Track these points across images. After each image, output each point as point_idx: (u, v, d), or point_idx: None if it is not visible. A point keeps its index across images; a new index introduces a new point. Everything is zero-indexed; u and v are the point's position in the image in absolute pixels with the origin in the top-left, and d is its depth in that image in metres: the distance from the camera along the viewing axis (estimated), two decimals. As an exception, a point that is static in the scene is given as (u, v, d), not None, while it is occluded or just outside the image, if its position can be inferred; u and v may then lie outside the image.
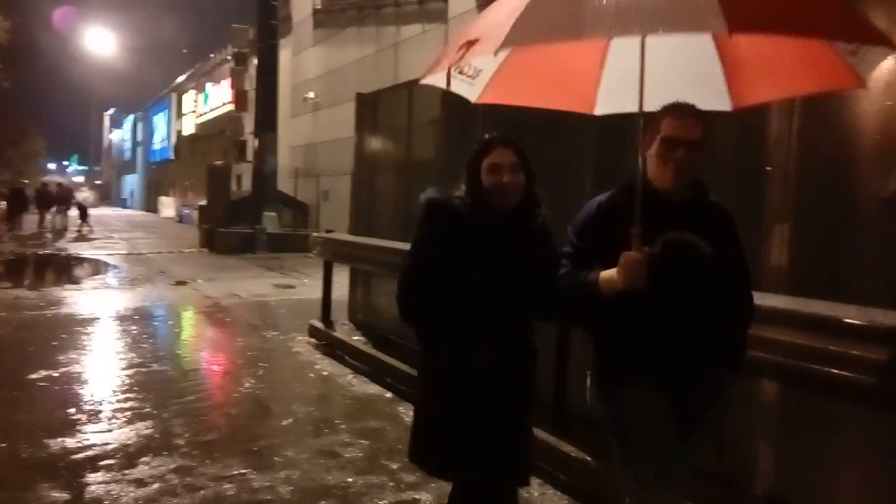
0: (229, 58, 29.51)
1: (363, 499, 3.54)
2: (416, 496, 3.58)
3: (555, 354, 4.13)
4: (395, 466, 3.96)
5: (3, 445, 4.13)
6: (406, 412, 4.99)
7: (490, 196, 2.17)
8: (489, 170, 2.17)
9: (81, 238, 22.18)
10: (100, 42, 55.26)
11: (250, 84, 24.53)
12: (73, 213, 26.43)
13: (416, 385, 2.40)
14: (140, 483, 3.64)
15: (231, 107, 29.13)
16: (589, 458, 3.71)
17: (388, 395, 5.45)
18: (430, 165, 6.57)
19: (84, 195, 28.74)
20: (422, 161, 6.70)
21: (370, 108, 7.65)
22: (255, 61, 21.67)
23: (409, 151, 6.81)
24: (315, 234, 8.58)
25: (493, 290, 2.14)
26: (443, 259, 2.15)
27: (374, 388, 5.63)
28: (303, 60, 25.18)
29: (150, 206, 48.48)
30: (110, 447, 4.15)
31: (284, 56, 23.25)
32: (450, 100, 6.12)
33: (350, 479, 3.77)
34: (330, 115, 22.69)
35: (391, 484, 3.73)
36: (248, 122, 25.08)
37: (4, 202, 25.10)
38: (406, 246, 6.02)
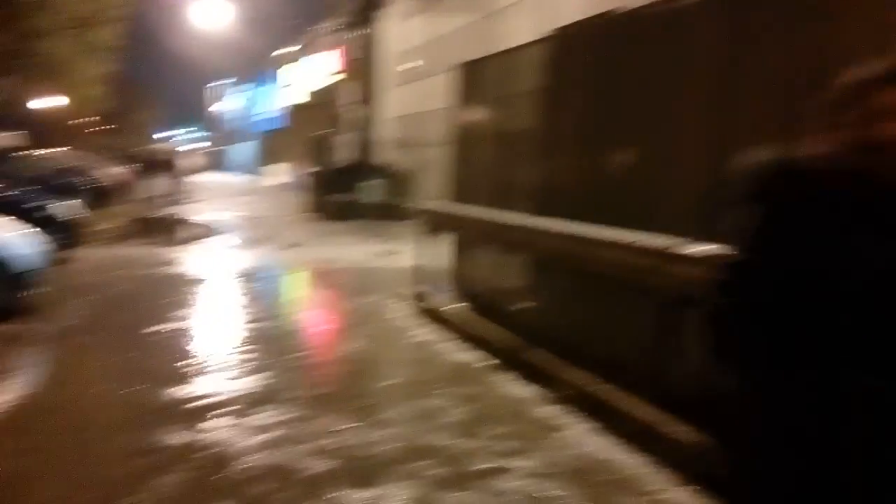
0: (337, 27, 30.09)
1: (463, 461, 3.61)
2: (516, 464, 3.60)
3: (659, 330, 4.01)
4: (493, 432, 4.00)
5: (134, 389, 4.51)
6: (504, 381, 5.02)
7: (882, 152, 1.41)
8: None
9: (196, 202, 23.56)
10: (214, 12, 57.67)
11: (356, 54, 24.95)
12: (191, 178, 28.10)
13: (744, 417, 1.64)
14: (256, 430, 3.88)
15: (338, 76, 29.82)
16: (697, 438, 3.60)
17: (486, 362, 5.49)
18: (529, 134, 6.47)
19: (189, 160, 30.31)
20: (521, 130, 6.60)
21: (470, 77, 7.61)
22: (362, 31, 21.98)
23: (509, 120, 6.73)
24: (416, 202, 8.70)
25: (876, 295, 1.39)
26: (791, 252, 1.43)
27: (472, 356, 5.68)
28: (407, 29, 25.31)
29: (261, 172, 50.76)
30: (230, 396, 4.45)
31: (390, 25, 23.46)
32: (552, 67, 6.02)
33: (450, 442, 3.85)
34: (431, 85, 22.72)
35: (491, 449, 3.77)
36: (354, 91, 25.57)
37: (129, 167, 26.99)
38: (506, 216, 6.04)
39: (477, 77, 7.52)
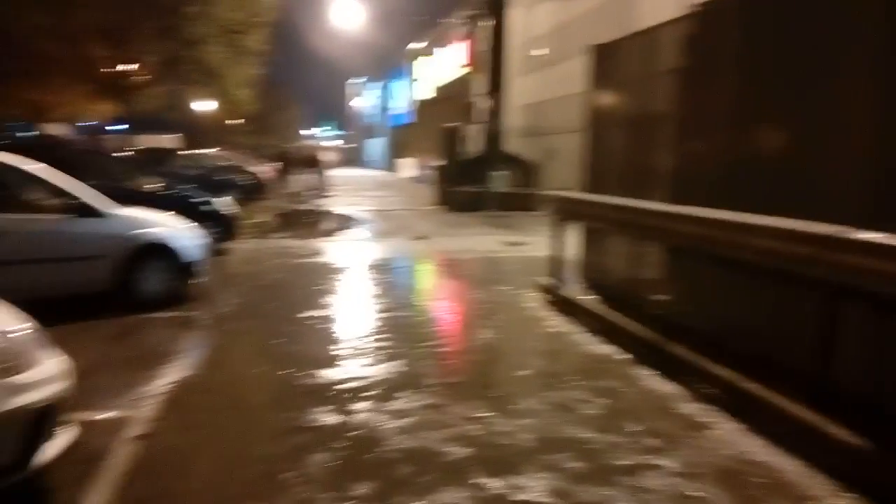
0: (464, 20, 30.37)
1: (603, 456, 3.54)
2: (659, 462, 3.48)
3: (820, 325, 3.71)
4: (634, 428, 3.89)
5: (286, 372, 4.83)
6: (643, 375, 4.86)
7: None
8: None
9: (334, 196, 24.75)
10: (347, 14, 59.99)
11: (483, 45, 25.05)
12: (330, 174, 29.58)
13: None
14: (397, 415, 4.03)
15: (464, 69, 30.14)
16: (861, 442, 3.30)
17: (622, 356, 5.35)
18: (668, 118, 6.19)
19: (329, 157, 31.94)
20: (659, 114, 6.33)
21: (604, 60, 7.38)
22: (488, 22, 22.03)
23: (647, 104, 6.47)
24: (546, 191, 8.61)
25: None
26: None
27: (606, 349, 5.56)
28: (533, 16, 25.09)
29: (392, 167, 52.42)
30: (371, 380, 4.65)
31: (516, 14, 23.32)
32: (696, 45, 5.70)
33: (589, 436, 3.79)
34: (558, 72, 22.40)
35: (632, 445, 3.67)
36: (481, 83, 25.70)
37: (276, 163, 28.85)
38: (644, 203, 5.81)
39: (611, 60, 7.29)
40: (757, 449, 3.63)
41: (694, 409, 4.19)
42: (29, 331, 3.02)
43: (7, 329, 2.91)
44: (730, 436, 3.80)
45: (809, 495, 3.17)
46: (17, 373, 2.80)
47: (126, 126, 19.33)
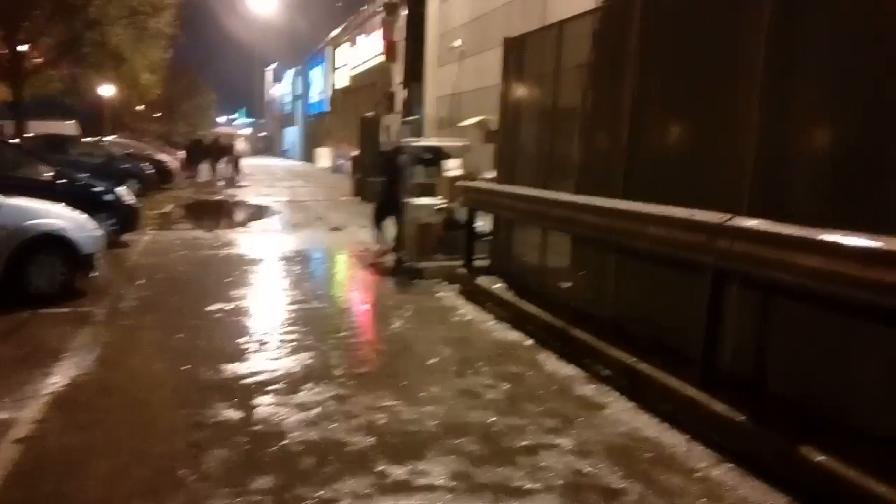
0: (380, 9, 30.07)
1: (504, 438, 3.65)
2: (557, 441, 3.62)
3: (706, 308, 3.95)
4: (535, 410, 4.03)
5: (186, 368, 4.69)
6: (546, 359, 5.02)
7: None
8: None
9: (247, 186, 24.08)
10: (262, -1, 58.24)
11: (400, 35, 24.95)
12: (243, 162, 28.70)
13: None
14: (302, 407, 4.00)
15: (381, 58, 29.84)
16: (740, 417, 3.55)
17: (528, 342, 5.50)
18: (576, 111, 6.37)
19: (241, 145, 31.04)
20: (568, 107, 6.51)
21: (516, 53, 7.51)
22: (405, 11, 21.94)
23: (556, 97, 6.64)
24: (458, 182, 8.70)
25: None
26: None
27: (514, 335, 5.70)
28: (450, 8, 25.09)
29: (308, 156, 51.42)
30: (276, 374, 4.59)
31: (433, 4, 23.32)
32: (600, 41, 5.90)
33: (492, 419, 3.89)
34: (475, 63, 22.56)
35: (532, 427, 3.80)
36: (398, 73, 25.60)
37: (184, 152, 27.74)
38: (548, 193, 5.97)
39: (522, 54, 7.41)
40: (647, 426, 3.83)
41: (591, 391, 4.38)
42: None
43: None
44: (623, 414, 4.00)
45: (694, 467, 3.38)
46: None
47: (19, 111, 18.09)
